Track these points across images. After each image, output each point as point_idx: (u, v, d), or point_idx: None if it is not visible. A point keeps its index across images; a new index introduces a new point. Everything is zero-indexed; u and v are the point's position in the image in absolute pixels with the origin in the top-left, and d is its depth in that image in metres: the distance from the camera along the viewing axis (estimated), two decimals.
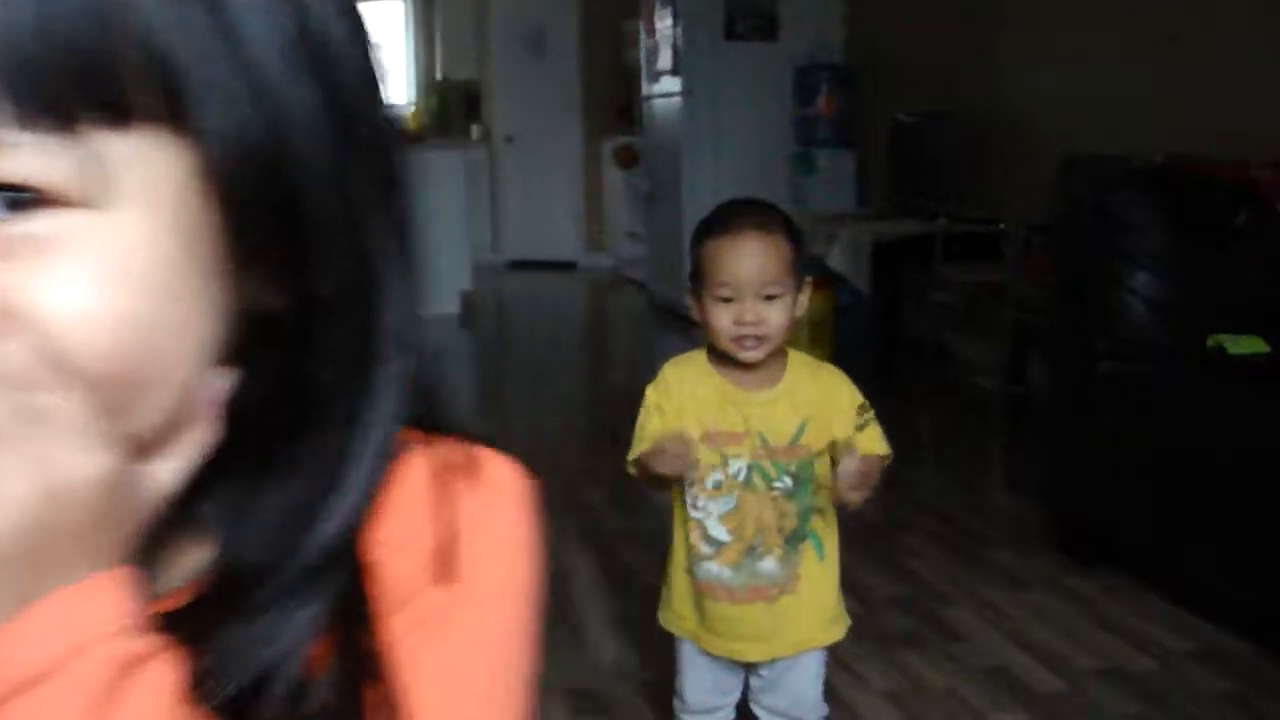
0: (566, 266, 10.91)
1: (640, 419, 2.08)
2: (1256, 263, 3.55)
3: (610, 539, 3.84)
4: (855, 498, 1.99)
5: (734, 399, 2.07)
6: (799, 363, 2.13)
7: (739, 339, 2.02)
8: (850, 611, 3.35)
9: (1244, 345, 3.35)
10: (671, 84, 8.09)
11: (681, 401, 2.06)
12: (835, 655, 3.07)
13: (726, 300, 2.02)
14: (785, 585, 2.10)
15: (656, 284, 8.48)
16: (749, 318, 2.00)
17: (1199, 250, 3.52)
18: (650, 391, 2.09)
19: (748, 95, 7.88)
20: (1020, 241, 5.01)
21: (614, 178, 10.20)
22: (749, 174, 7.89)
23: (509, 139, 11.31)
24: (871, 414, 2.11)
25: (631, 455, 2.07)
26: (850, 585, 3.51)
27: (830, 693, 2.86)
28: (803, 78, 7.81)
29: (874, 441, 2.09)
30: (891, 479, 4.51)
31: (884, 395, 5.88)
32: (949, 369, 6.26)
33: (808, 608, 2.14)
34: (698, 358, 2.12)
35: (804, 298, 2.09)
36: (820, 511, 2.13)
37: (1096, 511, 3.58)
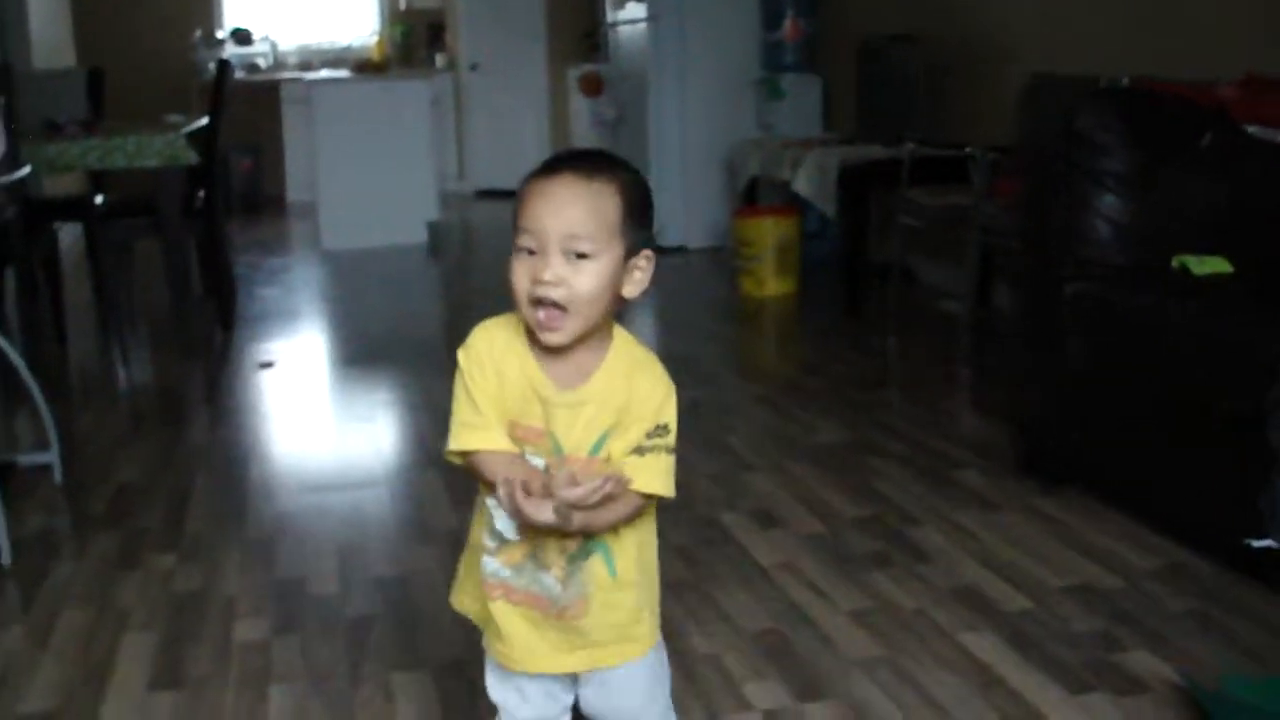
0: None
1: (455, 395, 1.74)
2: (1222, 183, 3.55)
3: None
4: (538, 514, 1.61)
5: (540, 393, 1.71)
6: (621, 354, 1.74)
7: (535, 304, 1.65)
8: (816, 533, 3.40)
9: (1208, 265, 3.37)
10: (637, 10, 8.02)
11: (489, 377, 1.72)
12: (802, 576, 3.09)
13: (530, 254, 1.65)
14: (570, 608, 1.75)
15: None
16: (547, 275, 1.62)
17: (1165, 171, 3.52)
18: (461, 359, 1.74)
19: (713, 21, 7.82)
20: (986, 165, 5.00)
21: (580, 105, 10.13)
22: (714, 100, 7.85)
23: (474, 68, 11.21)
24: (667, 442, 1.71)
25: (452, 446, 1.73)
26: (817, 507, 3.56)
27: (797, 612, 2.89)
28: (768, 2, 7.75)
29: (646, 473, 1.69)
30: (859, 402, 4.56)
31: (851, 320, 5.95)
32: (916, 293, 6.27)
33: (598, 629, 1.78)
34: (514, 326, 1.74)
35: (639, 275, 1.71)
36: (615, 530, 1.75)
37: (1063, 433, 3.60)
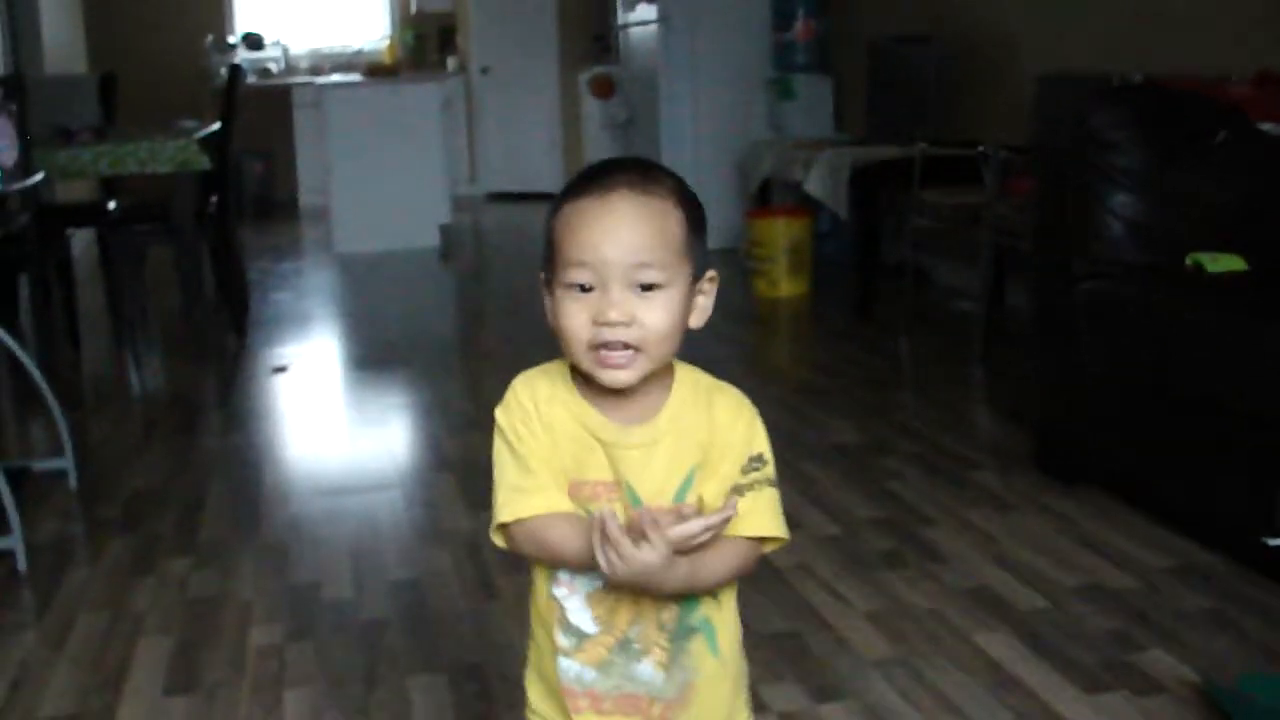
0: (545, 197, 10.82)
1: (496, 461, 1.49)
2: (1236, 180, 3.54)
3: None
4: (638, 557, 1.35)
5: (601, 436, 1.47)
6: (687, 384, 1.50)
7: (600, 348, 1.41)
8: (830, 534, 3.39)
9: (1222, 264, 3.35)
10: (648, 11, 8.02)
11: (537, 433, 1.47)
12: (817, 577, 3.09)
13: (584, 290, 1.41)
14: (674, 700, 1.50)
15: None
16: (614, 314, 1.39)
17: (1178, 169, 3.51)
18: (501, 418, 1.49)
19: (724, 21, 7.81)
20: (999, 164, 4.99)
21: (591, 108, 10.13)
22: (726, 101, 7.84)
23: (485, 71, 11.22)
24: (767, 475, 1.49)
25: (500, 519, 1.46)
26: (832, 508, 3.55)
27: (812, 613, 2.89)
28: (779, 3, 7.74)
29: (753, 515, 1.47)
30: (873, 403, 4.55)
31: (864, 320, 5.94)
32: (929, 293, 6.26)
33: None
34: (555, 372, 1.51)
35: (705, 300, 1.50)
36: (712, 593, 1.51)
37: (1076, 432, 3.59)
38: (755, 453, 1.49)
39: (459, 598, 3.08)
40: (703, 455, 1.47)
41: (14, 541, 3.31)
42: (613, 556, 1.35)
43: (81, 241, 6.94)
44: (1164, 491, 3.35)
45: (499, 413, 1.50)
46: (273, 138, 10.84)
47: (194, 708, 2.61)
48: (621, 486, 1.46)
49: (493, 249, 9.15)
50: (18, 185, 4.69)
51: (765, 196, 7.25)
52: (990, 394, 4.78)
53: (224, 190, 6.07)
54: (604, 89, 9.22)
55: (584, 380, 1.47)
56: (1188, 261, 3.38)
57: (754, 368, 5.49)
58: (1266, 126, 3.72)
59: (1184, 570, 3.07)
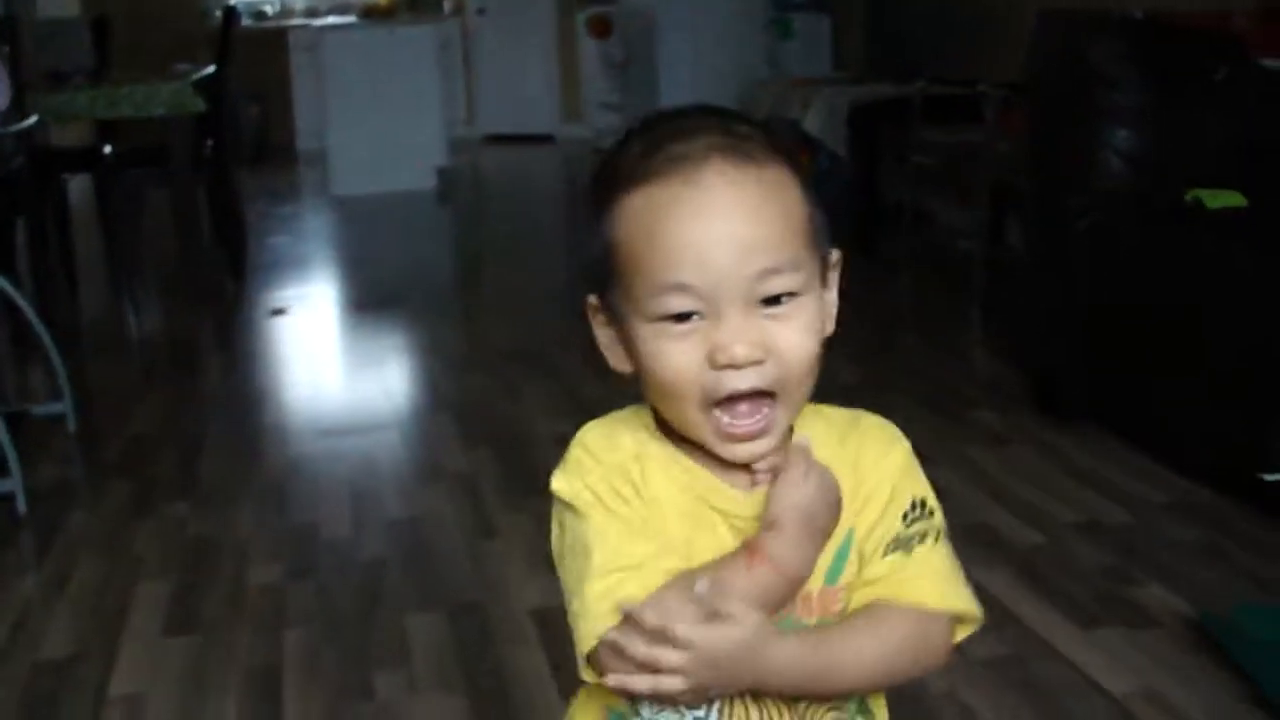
0: (543, 139, 10.80)
1: (569, 552, 1.05)
2: (1235, 116, 3.52)
3: (589, 405, 3.85)
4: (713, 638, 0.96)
5: (721, 507, 1.06)
6: (820, 420, 1.12)
7: (722, 404, 1.01)
8: None
9: (1222, 199, 3.34)
10: None
11: (631, 503, 1.04)
12: None
13: (682, 318, 1.00)
14: None
15: None
16: (741, 351, 0.99)
17: (1178, 104, 3.49)
18: (566, 484, 1.05)
19: None
20: (998, 101, 4.96)
21: (588, 48, 10.07)
22: (724, 40, 7.80)
23: (481, 11, 11.14)
24: (935, 525, 1.11)
25: (593, 641, 1.00)
26: None
27: None
28: None
29: (925, 579, 1.08)
30: (872, 341, 4.54)
31: (863, 259, 5.92)
32: (928, 232, 6.24)
33: None
34: (635, 423, 1.10)
35: (833, 295, 1.10)
36: (860, 699, 1.12)
37: (1074, 368, 3.59)
38: (917, 496, 1.10)
39: (457, 537, 3.09)
40: (854, 513, 1.07)
41: (14, 485, 3.32)
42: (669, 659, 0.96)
43: (78, 187, 6.91)
44: (1160, 428, 3.35)
45: (561, 481, 1.05)
46: (269, 81, 10.77)
47: (194, 648, 2.63)
48: None
49: (490, 191, 9.12)
50: (11, 128, 4.67)
51: None
52: (988, 332, 4.78)
53: (220, 134, 6.04)
54: (601, 29, 9.16)
55: (674, 437, 1.06)
56: (1187, 197, 3.37)
57: None
58: (1268, 62, 3.69)
59: (1179, 505, 3.08)
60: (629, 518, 1.02)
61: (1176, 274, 3.21)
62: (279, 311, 5.47)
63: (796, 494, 1.02)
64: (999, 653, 2.44)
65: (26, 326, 3.94)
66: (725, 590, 0.97)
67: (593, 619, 0.99)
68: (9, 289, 3.90)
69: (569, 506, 1.04)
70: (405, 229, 7.49)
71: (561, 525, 1.06)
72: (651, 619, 0.95)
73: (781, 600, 1.02)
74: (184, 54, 8.16)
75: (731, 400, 1.00)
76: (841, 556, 1.07)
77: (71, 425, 3.94)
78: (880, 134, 6.01)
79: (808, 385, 1.05)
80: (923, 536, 1.08)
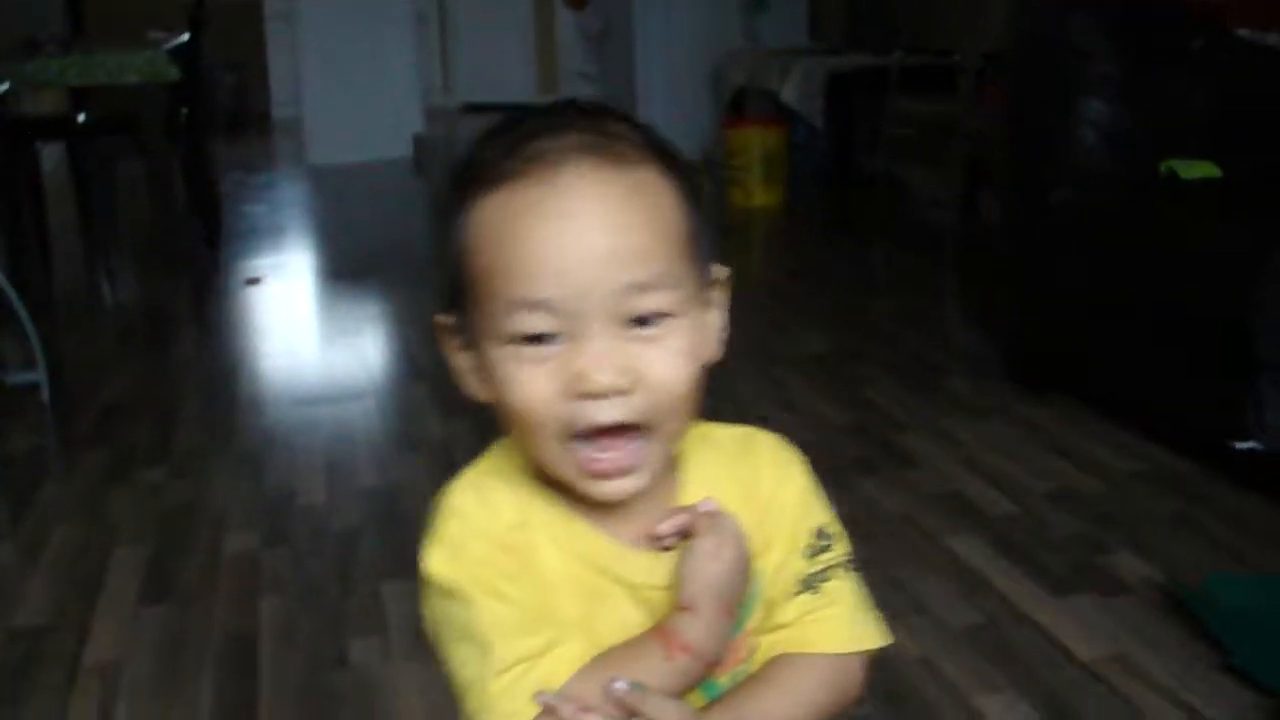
0: (519, 109, 10.74)
1: (458, 651, 0.95)
2: (1211, 87, 3.52)
3: None
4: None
5: (618, 571, 0.97)
6: (708, 444, 1.03)
7: (582, 438, 0.90)
8: (802, 440, 3.38)
9: (1196, 170, 3.35)
10: None
11: (518, 580, 0.94)
12: None
13: (538, 340, 0.89)
14: None
15: None
16: (603, 379, 0.87)
17: (1153, 76, 3.50)
18: (444, 570, 0.96)
19: None
20: (974, 73, 4.97)
21: (565, 17, 10.02)
22: (701, 10, 7.76)
23: None
24: (840, 555, 1.05)
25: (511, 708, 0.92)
26: (805, 414, 3.57)
27: None
28: None
29: (837, 623, 1.03)
30: (846, 311, 4.55)
31: (838, 229, 5.93)
32: (904, 203, 6.25)
33: None
34: (509, 472, 0.99)
35: (717, 316, 0.98)
36: None
37: (1048, 340, 3.61)
38: (820, 526, 1.03)
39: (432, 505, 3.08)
40: (758, 553, 0.99)
41: None
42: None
43: (51, 155, 6.86)
44: (1134, 398, 3.37)
45: (439, 563, 0.95)
46: (244, 49, 10.70)
47: (170, 616, 2.63)
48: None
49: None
50: None
51: (740, 106, 7.20)
52: (963, 302, 4.79)
53: (195, 102, 6.00)
54: (577, 0, 9.12)
55: (557, 486, 0.95)
56: (1161, 169, 3.38)
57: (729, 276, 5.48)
58: (1243, 33, 3.70)
59: (1153, 475, 3.10)
60: (520, 601, 0.92)
61: (1150, 245, 3.22)
62: (254, 281, 5.45)
63: (711, 571, 0.94)
64: (972, 620, 2.46)
65: None
66: (645, 689, 0.90)
67: (501, 718, 0.91)
68: None
69: (450, 593, 0.94)
70: (382, 198, 7.46)
71: (440, 609, 0.95)
72: (570, 715, 0.89)
73: (698, 680, 0.95)
74: (158, 22, 8.09)
75: (597, 435, 0.89)
76: (749, 602, 0.99)
77: (45, 394, 3.93)
78: (857, 105, 6.01)
79: (684, 415, 0.93)
80: (829, 570, 1.02)
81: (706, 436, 1.02)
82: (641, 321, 0.88)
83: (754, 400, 3.69)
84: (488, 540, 0.94)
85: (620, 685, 0.90)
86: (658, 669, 0.92)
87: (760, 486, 1.02)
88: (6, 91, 4.95)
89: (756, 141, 6.45)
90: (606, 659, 0.92)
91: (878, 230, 5.72)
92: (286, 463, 3.42)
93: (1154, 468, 3.13)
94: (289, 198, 7.65)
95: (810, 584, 1.02)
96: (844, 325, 4.43)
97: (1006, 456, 3.24)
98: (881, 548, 2.77)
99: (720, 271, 0.98)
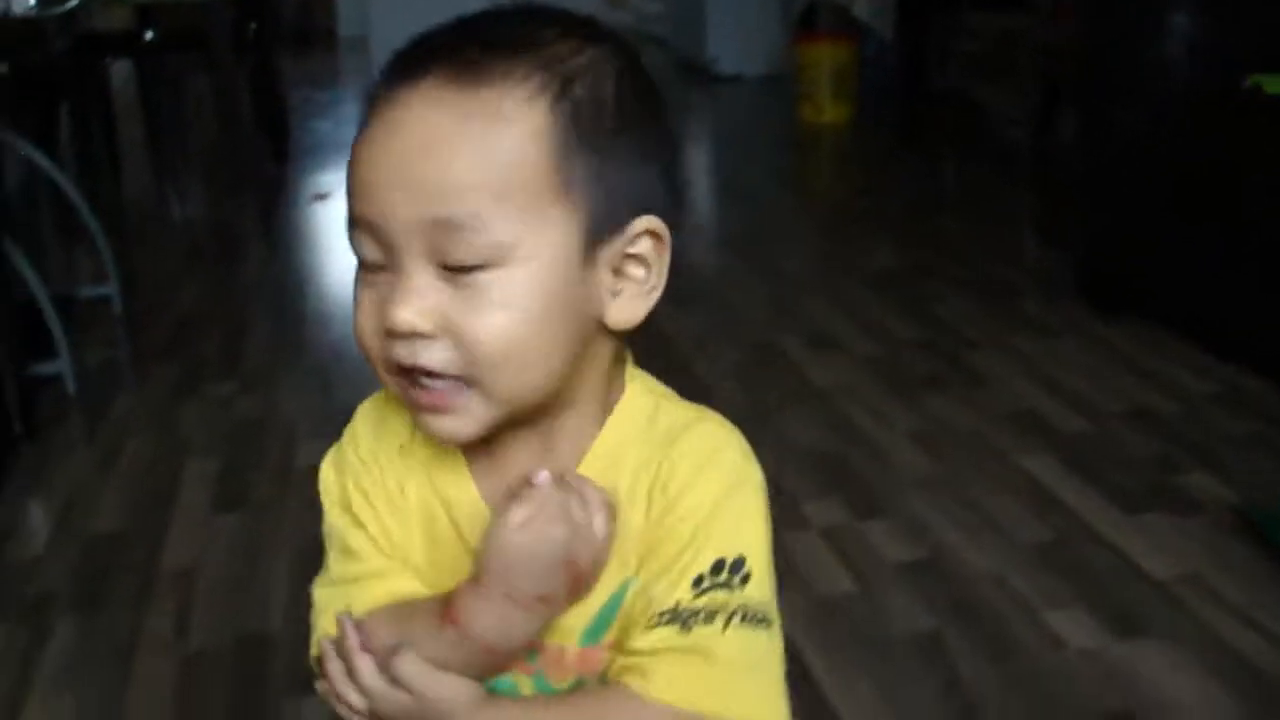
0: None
1: (326, 546, 0.97)
2: None
3: None
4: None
5: (466, 529, 0.91)
6: (635, 416, 0.90)
7: (400, 375, 0.84)
8: (872, 355, 3.38)
9: None
10: None
11: (377, 500, 0.94)
12: (858, 397, 3.09)
13: (368, 268, 0.84)
14: None
15: (679, 40, 8.29)
16: (403, 317, 0.81)
17: None
18: (325, 482, 0.96)
19: None
20: None
21: None
22: None
23: None
24: (743, 597, 0.85)
25: (314, 648, 0.97)
26: (874, 330, 3.54)
27: (854, 432, 2.90)
28: None
29: (695, 679, 0.83)
30: (916, 228, 4.50)
31: (909, 146, 5.85)
32: (976, 119, 6.16)
33: None
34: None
35: (634, 276, 0.85)
36: None
37: (1123, 259, 3.55)
38: (727, 556, 0.84)
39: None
40: (642, 556, 0.86)
41: (63, 366, 3.35)
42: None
43: (119, 72, 6.89)
44: (1211, 318, 3.31)
45: (328, 468, 0.96)
46: None
47: (243, 523, 2.66)
48: None
49: None
50: (53, 11, 4.65)
51: (811, 21, 7.10)
52: (1036, 221, 4.72)
53: (262, 18, 5.99)
54: None
55: None
56: (1247, 83, 3.30)
57: (797, 192, 5.44)
58: None
59: (1228, 395, 3.06)
60: (369, 524, 0.92)
61: (1231, 161, 3.15)
62: (321, 196, 5.46)
63: (510, 544, 0.82)
64: (1043, 537, 2.45)
65: (72, 211, 3.95)
66: (413, 660, 0.85)
67: (318, 625, 0.94)
68: (54, 172, 3.91)
69: (323, 496, 0.95)
70: None
71: (322, 505, 0.96)
72: (345, 648, 0.88)
73: (486, 669, 0.87)
74: None
75: (409, 375, 0.83)
76: (609, 612, 0.87)
77: (118, 308, 3.97)
78: (929, 19, 5.92)
79: (519, 376, 0.81)
80: (712, 615, 0.82)
81: (650, 411, 0.90)
82: (461, 269, 0.79)
83: (824, 316, 3.67)
84: (365, 460, 0.93)
85: (403, 660, 0.85)
86: (430, 636, 0.86)
87: (674, 479, 0.86)
88: (76, 6, 4.96)
89: (827, 57, 6.36)
90: (399, 610, 0.89)
91: (948, 147, 5.64)
92: (355, 376, 3.43)
93: (1229, 389, 3.09)
94: (355, 114, 7.60)
95: (682, 619, 0.83)
96: (914, 242, 4.38)
97: (1079, 375, 3.20)
98: (952, 465, 2.75)
99: (646, 224, 0.83)
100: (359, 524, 0.92)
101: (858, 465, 2.75)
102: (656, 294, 0.85)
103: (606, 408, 0.89)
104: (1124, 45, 3.45)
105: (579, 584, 0.85)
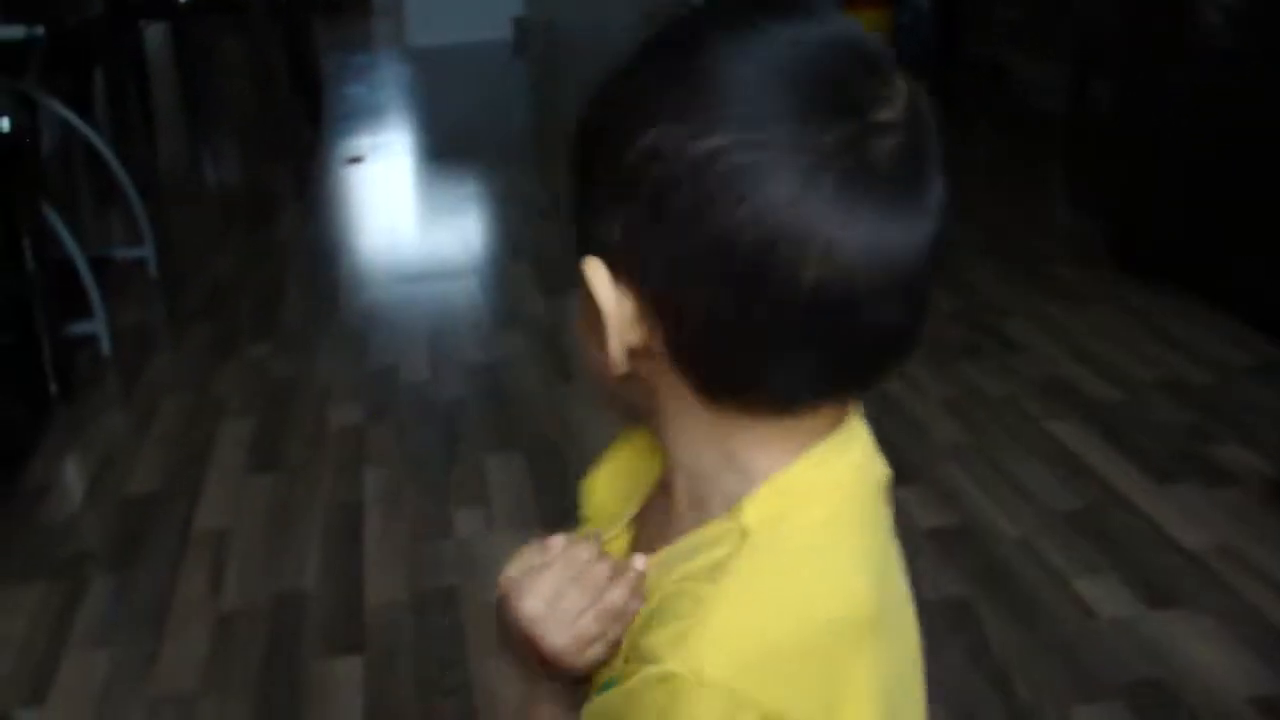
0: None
1: None
2: None
3: None
4: None
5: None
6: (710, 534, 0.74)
7: None
8: None
9: None
10: None
11: None
12: None
13: None
14: None
15: None
16: None
17: None
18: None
19: None
20: None
21: None
22: None
23: None
24: (670, 687, 0.66)
25: None
26: None
27: (886, 399, 2.89)
28: None
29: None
30: (951, 194, 4.48)
31: (943, 114, 5.77)
32: (1011, 87, 6.12)
33: None
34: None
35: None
36: None
37: (1158, 228, 3.53)
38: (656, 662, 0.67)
39: (535, 380, 3.11)
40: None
41: (98, 326, 3.37)
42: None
43: (155, 37, 6.91)
44: (1245, 288, 3.29)
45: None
46: None
47: (278, 483, 2.68)
48: None
49: (566, 41, 9.01)
50: None
51: None
52: (1071, 189, 4.69)
53: None
54: None
55: None
56: None
57: None
58: None
59: (1263, 367, 3.04)
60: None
61: (1272, 129, 3.12)
62: (356, 160, 5.47)
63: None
64: (1074, 504, 2.45)
65: (107, 172, 3.97)
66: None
67: None
68: (91, 135, 3.93)
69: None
70: (481, 80, 7.43)
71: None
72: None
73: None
74: None
75: None
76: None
77: (153, 270, 3.99)
78: None
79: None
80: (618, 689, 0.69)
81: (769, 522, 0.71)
82: None
83: None
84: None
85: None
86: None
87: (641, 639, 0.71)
88: None
89: (862, 22, 6.32)
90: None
91: (983, 114, 5.61)
92: (389, 339, 3.45)
93: (1265, 360, 3.07)
94: (389, 79, 7.65)
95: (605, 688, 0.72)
96: (948, 208, 4.35)
97: (1112, 344, 3.19)
98: (983, 431, 2.75)
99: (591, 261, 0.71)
100: None
101: (890, 432, 2.71)
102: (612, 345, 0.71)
103: (708, 495, 0.74)
104: (1167, 7, 3.42)
105: (531, 650, 0.76)
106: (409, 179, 5.42)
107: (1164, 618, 2.12)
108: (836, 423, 0.75)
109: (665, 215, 0.66)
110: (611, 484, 0.86)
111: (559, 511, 2.50)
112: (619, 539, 0.81)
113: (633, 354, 0.70)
